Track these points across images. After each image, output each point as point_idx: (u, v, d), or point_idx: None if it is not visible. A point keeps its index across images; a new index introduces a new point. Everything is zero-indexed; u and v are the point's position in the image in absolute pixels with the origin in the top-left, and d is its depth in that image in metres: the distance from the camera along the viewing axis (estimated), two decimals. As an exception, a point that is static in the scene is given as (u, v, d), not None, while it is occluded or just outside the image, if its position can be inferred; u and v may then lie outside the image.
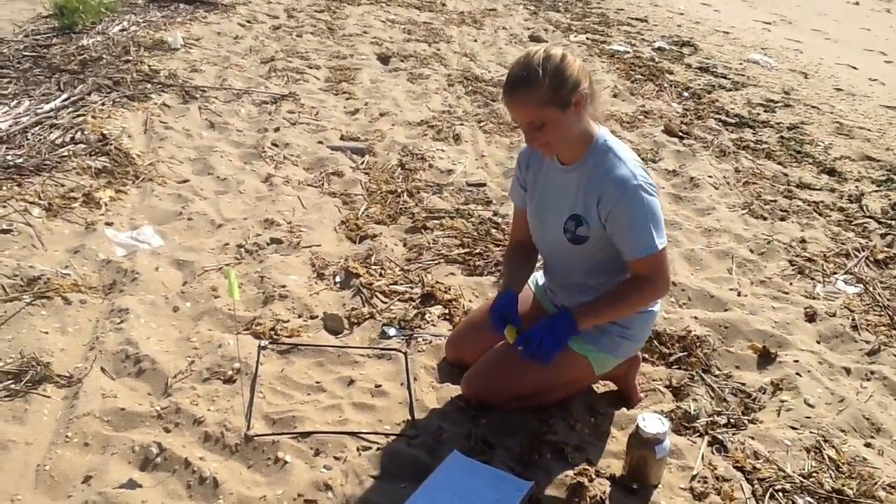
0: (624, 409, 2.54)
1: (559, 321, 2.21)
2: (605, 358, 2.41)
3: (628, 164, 2.20)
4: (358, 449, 2.25)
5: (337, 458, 2.21)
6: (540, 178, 2.41)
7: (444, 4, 9.33)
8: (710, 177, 4.63)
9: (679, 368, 2.81)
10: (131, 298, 2.86)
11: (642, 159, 4.66)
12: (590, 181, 2.23)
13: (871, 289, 3.47)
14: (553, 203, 2.35)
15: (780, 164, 5.03)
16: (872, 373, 2.85)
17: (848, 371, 2.87)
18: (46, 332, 2.62)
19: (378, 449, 2.25)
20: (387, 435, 2.32)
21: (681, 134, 5.35)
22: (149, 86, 5.04)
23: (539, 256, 2.59)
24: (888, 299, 3.40)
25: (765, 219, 4.17)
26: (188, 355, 2.62)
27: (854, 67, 8.32)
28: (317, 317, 2.92)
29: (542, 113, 2.11)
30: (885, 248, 3.90)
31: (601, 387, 2.67)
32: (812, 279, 3.56)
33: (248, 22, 7.23)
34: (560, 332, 2.20)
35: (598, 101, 2.27)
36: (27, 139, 4.02)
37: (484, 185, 4.22)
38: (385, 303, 3.05)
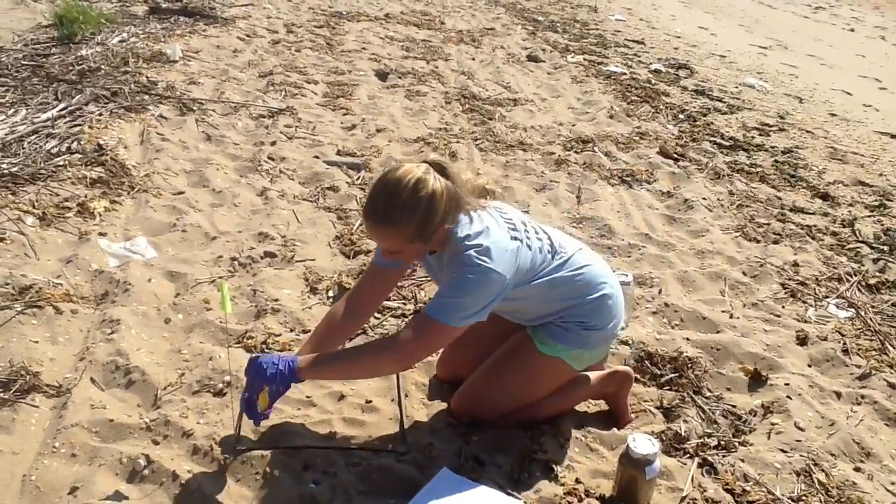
0: (614, 429, 2.54)
1: (282, 371, 2.12)
2: (580, 353, 2.41)
3: (479, 249, 2.11)
4: (347, 464, 2.24)
5: (326, 474, 2.20)
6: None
7: (442, 23, 9.39)
8: (704, 199, 4.65)
9: (670, 389, 2.81)
10: (123, 309, 2.85)
11: (637, 180, 4.74)
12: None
13: (862, 313, 3.48)
14: (439, 279, 2.34)
15: (773, 187, 5.06)
16: (863, 397, 2.85)
17: (838, 395, 2.87)
18: (36, 342, 2.61)
19: (367, 465, 2.24)
20: (376, 451, 2.31)
21: (676, 156, 5.38)
22: (146, 97, 5.06)
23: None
24: (879, 324, 3.41)
25: (758, 242, 4.18)
26: (179, 367, 2.61)
27: (848, 93, 8.38)
28: (309, 331, 2.91)
29: (403, 246, 2.13)
30: (878, 273, 3.92)
31: (592, 406, 2.67)
32: (804, 303, 3.57)
33: (248, 36, 7.26)
34: (279, 377, 2.11)
35: (462, 198, 2.15)
36: (23, 148, 4.02)
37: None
38: (377, 318, 3.05)
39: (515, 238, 2.22)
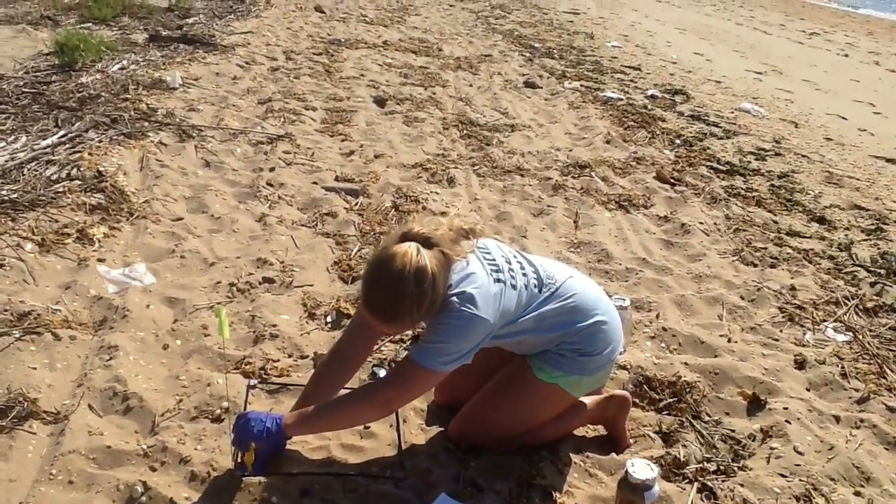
0: (613, 454, 2.53)
1: (269, 429, 2.17)
2: (577, 379, 2.40)
3: (465, 293, 2.12)
4: (345, 491, 2.23)
5: (324, 500, 2.19)
6: None
7: (440, 50, 9.47)
8: (701, 223, 4.67)
9: (669, 414, 2.80)
10: (121, 335, 2.85)
11: (634, 205, 4.75)
12: None
13: (860, 337, 3.48)
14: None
15: (770, 211, 5.08)
16: (862, 421, 2.85)
17: (837, 419, 2.87)
18: (35, 368, 2.60)
19: (366, 491, 2.23)
20: (375, 477, 2.30)
21: (672, 181, 5.40)
22: (146, 124, 5.09)
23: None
24: (878, 348, 3.41)
25: (755, 266, 4.19)
26: (176, 393, 2.61)
27: (843, 118, 8.44)
28: (307, 357, 2.91)
29: (411, 328, 2.18)
30: (875, 297, 3.92)
31: (590, 431, 2.66)
32: (802, 326, 3.57)
33: (247, 63, 7.32)
34: (266, 435, 2.17)
35: (451, 258, 2.12)
36: (23, 174, 4.03)
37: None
38: (376, 343, 3.04)
39: (499, 280, 2.22)
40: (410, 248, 2.05)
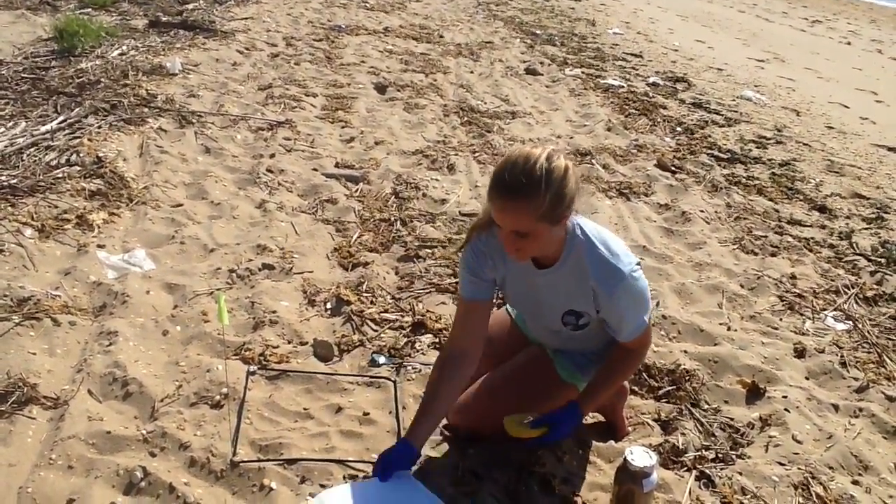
0: (612, 442, 2.54)
1: (574, 417, 2.27)
2: None
3: (612, 251, 2.12)
4: (344, 477, 2.24)
5: (323, 486, 2.20)
6: (518, 279, 2.27)
7: (441, 36, 9.43)
8: (701, 211, 4.66)
9: (668, 402, 2.81)
10: (121, 321, 2.85)
11: (634, 193, 4.74)
12: (579, 278, 2.15)
13: (860, 326, 3.49)
14: (545, 302, 2.27)
15: (771, 200, 5.07)
16: (860, 410, 2.85)
17: (836, 408, 2.87)
18: (34, 354, 2.61)
19: (364, 477, 2.24)
20: (374, 463, 2.31)
21: (673, 168, 5.39)
22: (146, 110, 5.07)
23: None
24: (877, 337, 3.41)
25: (755, 254, 4.19)
26: (176, 379, 2.61)
27: (845, 106, 8.41)
28: (307, 343, 2.91)
29: (534, 225, 2.00)
30: (875, 286, 3.92)
31: (589, 418, 2.67)
32: (801, 315, 3.57)
33: (247, 49, 7.29)
34: (574, 425, 2.29)
35: (580, 186, 2.09)
36: (22, 160, 4.03)
37: (477, 214, 4.23)
38: (375, 331, 3.05)
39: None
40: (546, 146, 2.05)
